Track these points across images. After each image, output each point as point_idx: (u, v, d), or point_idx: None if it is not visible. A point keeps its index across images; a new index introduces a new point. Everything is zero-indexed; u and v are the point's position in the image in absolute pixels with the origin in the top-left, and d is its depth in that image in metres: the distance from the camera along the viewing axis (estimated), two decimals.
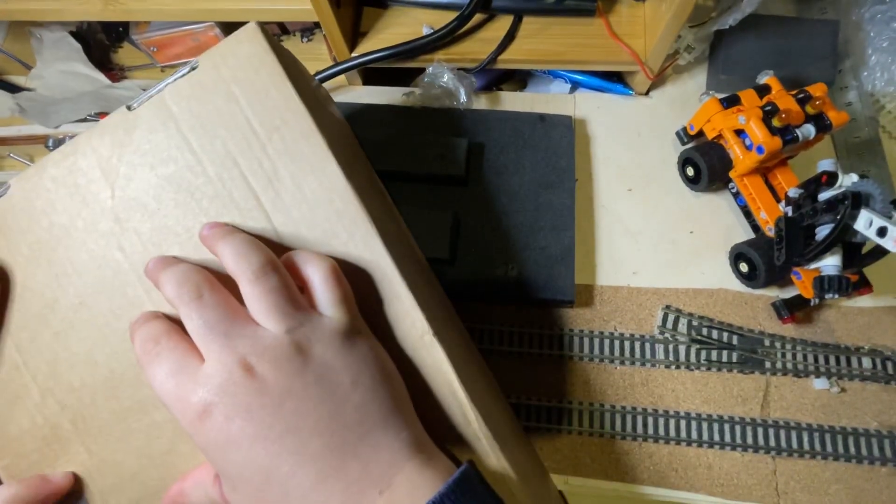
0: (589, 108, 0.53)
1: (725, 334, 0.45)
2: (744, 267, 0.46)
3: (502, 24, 0.51)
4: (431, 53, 0.51)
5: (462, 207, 0.46)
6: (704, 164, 0.46)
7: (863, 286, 0.42)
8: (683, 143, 0.50)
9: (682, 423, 0.43)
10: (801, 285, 0.44)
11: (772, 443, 0.42)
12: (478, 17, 0.51)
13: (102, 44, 0.59)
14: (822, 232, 0.40)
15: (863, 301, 0.46)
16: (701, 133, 0.48)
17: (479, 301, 0.46)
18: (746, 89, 0.46)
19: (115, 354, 0.28)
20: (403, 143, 0.46)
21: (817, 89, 0.44)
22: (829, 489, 0.41)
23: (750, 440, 0.42)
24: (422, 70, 0.50)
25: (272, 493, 0.23)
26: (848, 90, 0.53)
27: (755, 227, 0.47)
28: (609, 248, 0.48)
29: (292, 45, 0.59)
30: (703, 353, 0.44)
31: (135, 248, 0.28)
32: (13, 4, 0.49)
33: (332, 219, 0.28)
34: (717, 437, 0.42)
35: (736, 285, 0.47)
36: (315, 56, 0.57)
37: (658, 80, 0.53)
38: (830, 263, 0.39)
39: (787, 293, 0.46)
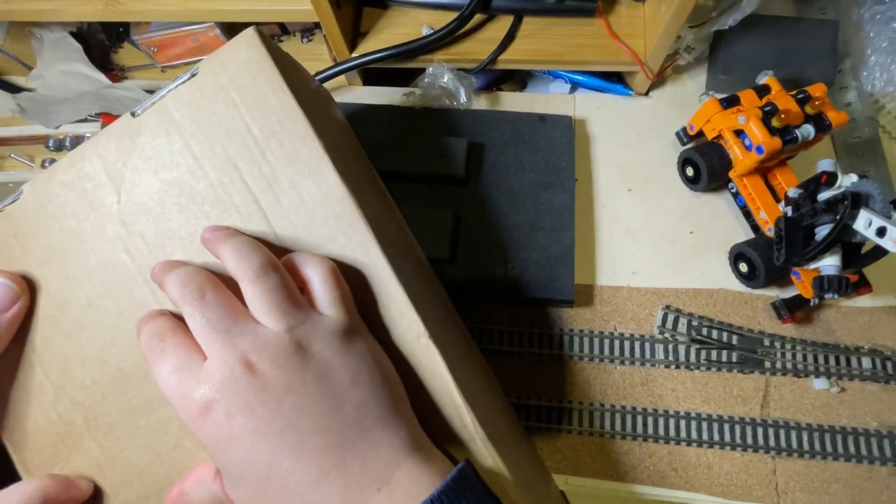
0: (589, 109, 0.53)
1: (725, 334, 0.45)
2: (743, 267, 0.46)
3: (502, 24, 0.51)
4: (431, 54, 0.51)
5: (462, 207, 0.46)
6: (704, 165, 0.46)
7: (862, 286, 0.42)
8: (683, 144, 0.50)
9: (682, 422, 0.43)
10: (800, 285, 0.44)
11: (771, 443, 0.42)
12: (478, 18, 0.51)
13: (103, 44, 0.59)
14: (822, 232, 0.40)
15: (862, 301, 0.46)
16: (701, 133, 0.48)
17: (479, 301, 0.46)
18: (746, 89, 0.46)
19: (123, 354, 0.29)
20: (403, 143, 0.46)
21: (817, 89, 0.44)
22: (829, 489, 0.41)
23: (750, 440, 0.42)
24: (422, 70, 0.50)
25: (273, 488, 0.24)
26: (847, 90, 0.53)
27: (755, 228, 0.47)
28: (609, 248, 0.48)
29: (292, 45, 0.59)
30: (703, 353, 0.44)
31: (140, 251, 0.29)
32: (13, 4, 0.49)
33: (330, 222, 0.28)
34: (716, 437, 0.42)
35: (736, 285, 0.47)
36: (315, 56, 0.57)
37: (658, 81, 0.54)
38: (830, 263, 0.39)
39: (787, 293, 0.46)
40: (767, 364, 0.44)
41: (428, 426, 0.28)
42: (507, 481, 0.28)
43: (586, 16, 0.51)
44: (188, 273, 0.26)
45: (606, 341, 0.45)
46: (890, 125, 0.52)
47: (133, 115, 0.30)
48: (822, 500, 0.40)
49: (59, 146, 0.52)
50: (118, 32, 0.59)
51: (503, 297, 0.44)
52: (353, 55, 0.50)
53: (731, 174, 0.46)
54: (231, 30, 0.55)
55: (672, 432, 0.42)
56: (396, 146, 0.46)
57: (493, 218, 0.46)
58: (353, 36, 0.51)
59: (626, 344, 0.45)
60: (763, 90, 0.46)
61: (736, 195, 0.48)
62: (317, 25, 0.56)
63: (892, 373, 0.43)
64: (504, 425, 0.36)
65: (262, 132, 0.28)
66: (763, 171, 0.46)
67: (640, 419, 0.43)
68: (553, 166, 0.48)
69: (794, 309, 0.44)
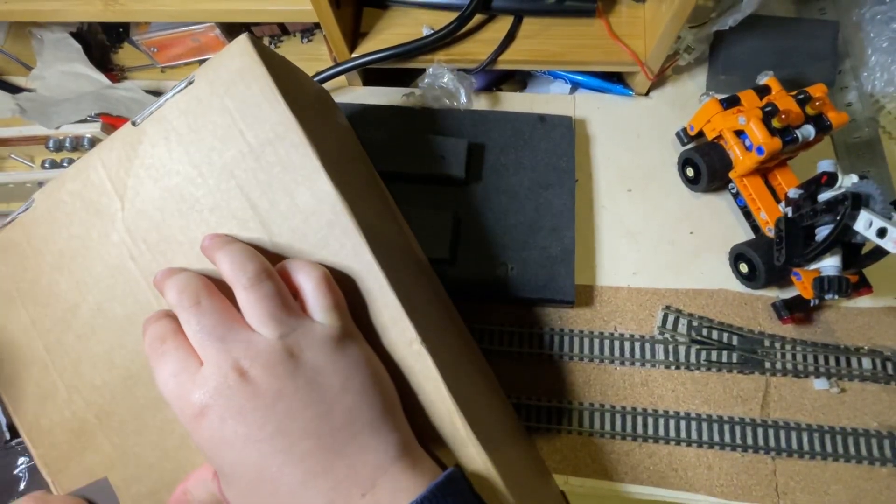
0: (589, 109, 0.53)
1: (725, 335, 0.45)
2: (744, 267, 0.46)
3: (502, 24, 0.51)
4: (431, 54, 0.51)
5: (462, 207, 0.46)
6: (704, 165, 0.46)
7: (862, 287, 0.42)
8: (683, 144, 0.50)
9: (682, 423, 0.43)
10: (800, 286, 0.44)
11: (772, 443, 0.42)
12: (478, 18, 0.51)
13: (103, 44, 0.59)
14: (822, 233, 0.40)
15: (863, 301, 0.46)
16: (701, 134, 0.48)
17: (479, 301, 0.46)
18: (746, 90, 0.46)
19: (131, 356, 0.30)
20: (403, 144, 0.46)
21: (817, 90, 0.44)
22: (828, 489, 0.41)
23: (750, 440, 0.42)
24: (422, 71, 0.50)
25: (262, 490, 0.24)
26: (848, 91, 0.53)
27: (755, 228, 0.47)
28: (609, 248, 0.48)
29: (292, 45, 0.59)
30: (703, 354, 0.44)
31: (144, 258, 0.30)
32: (13, 5, 0.49)
33: (324, 229, 0.29)
34: (716, 438, 0.42)
35: (736, 286, 0.47)
36: (315, 56, 0.57)
37: (658, 81, 0.53)
38: (830, 264, 0.39)
39: (787, 294, 0.46)
40: (767, 364, 0.44)
41: (421, 431, 0.28)
42: (500, 485, 0.28)
43: (586, 16, 0.51)
44: (185, 280, 0.27)
45: (606, 342, 0.45)
46: (890, 125, 0.52)
47: (133, 123, 0.31)
48: (823, 501, 0.40)
49: (59, 147, 0.52)
50: (118, 33, 0.59)
51: (503, 297, 0.44)
52: (353, 55, 0.50)
53: (732, 174, 0.46)
54: (231, 30, 0.55)
55: (672, 433, 0.42)
56: (396, 147, 0.46)
57: (493, 218, 0.46)
58: (353, 36, 0.51)
59: (626, 344, 0.45)
60: (763, 90, 0.46)
61: (736, 196, 0.48)
62: (317, 25, 0.56)
63: (892, 373, 0.43)
64: (501, 427, 0.36)
65: (257, 140, 0.29)
66: (763, 171, 0.46)
67: (640, 420, 0.43)
68: (553, 166, 0.48)
69: (794, 309, 0.44)
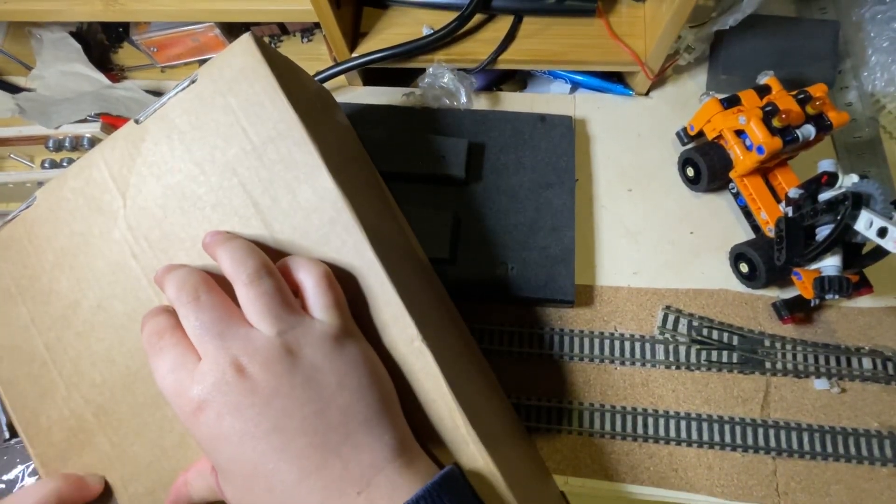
0: (589, 109, 0.53)
1: (726, 335, 0.45)
2: (744, 267, 0.46)
3: (502, 24, 0.51)
4: (431, 54, 0.51)
5: (462, 207, 0.46)
6: (704, 165, 0.46)
7: (863, 287, 0.42)
8: (683, 144, 0.50)
9: (683, 423, 0.43)
10: (801, 286, 0.44)
11: (772, 443, 0.42)
12: (478, 18, 0.51)
13: (102, 44, 0.59)
14: (823, 232, 0.39)
15: (863, 301, 0.46)
16: (701, 133, 0.48)
17: (479, 301, 0.46)
18: (746, 89, 0.46)
19: (131, 353, 0.30)
20: (404, 144, 0.46)
21: (817, 90, 0.44)
22: (829, 489, 0.41)
23: (750, 441, 0.42)
24: (422, 70, 0.50)
25: (258, 486, 0.24)
26: (848, 90, 0.53)
27: (755, 228, 0.47)
28: (609, 248, 0.48)
29: (292, 45, 0.59)
30: (704, 354, 0.44)
31: (146, 255, 0.30)
32: (13, 4, 0.49)
33: (326, 226, 0.29)
34: (717, 438, 0.42)
35: (736, 286, 0.47)
36: (315, 56, 0.57)
37: (658, 81, 0.53)
38: (831, 264, 0.39)
39: (788, 293, 0.46)
40: (768, 365, 0.44)
41: (421, 429, 0.28)
42: (500, 484, 0.28)
43: (586, 16, 0.51)
44: (184, 275, 0.27)
45: (606, 342, 0.45)
46: (891, 125, 0.52)
47: (136, 121, 0.31)
48: (823, 501, 0.40)
49: (59, 146, 0.52)
50: (118, 32, 0.59)
51: (503, 297, 0.44)
52: (353, 55, 0.50)
53: (732, 174, 0.46)
54: (231, 30, 0.55)
55: (672, 433, 0.42)
56: (396, 146, 0.46)
57: (493, 218, 0.46)
58: (353, 36, 0.51)
59: (627, 344, 0.45)
60: (764, 90, 0.46)
61: (736, 195, 0.48)
62: (317, 25, 0.56)
63: (892, 373, 0.43)
64: (501, 427, 0.36)
65: (260, 137, 0.29)
66: (764, 171, 0.46)
67: (640, 420, 0.43)
68: (553, 166, 0.48)
69: (794, 309, 0.44)
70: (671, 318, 0.45)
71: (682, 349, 0.44)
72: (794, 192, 0.41)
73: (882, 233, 0.35)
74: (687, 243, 0.48)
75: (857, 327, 0.45)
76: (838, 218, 0.37)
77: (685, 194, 0.50)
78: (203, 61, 0.57)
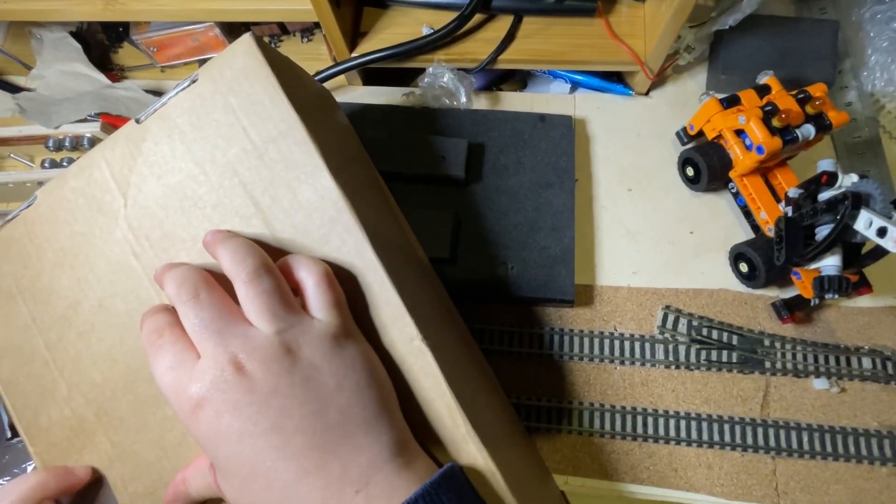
0: (589, 108, 0.53)
1: (725, 334, 0.45)
2: (744, 267, 0.46)
3: (502, 24, 0.51)
4: (431, 53, 0.51)
5: (462, 207, 0.46)
6: (704, 165, 0.46)
7: (863, 286, 0.42)
8: (683, 144, 0.50)
9: (682, 423, 0.43)
10: (800, 285, 0.44)
11: (772, 443, 0.42)
12: (478, 18, 0.51)
13: (102, 44, 0.59)
14: (822, 232, 0.40)
15: (863, 301, 0.46)
16: (701, 133, 0.48)
17: (479, 301, 0.46)
18: (746, 89, 0.46)
19: (132, 353, 0.30)
20: (403, 144, 0.46)
21: (817, 89, 0.44)
22: (829, 489, 0.41)
23: (750, 440, 0.42)
24: (422, 70, 0.50)
25: (256, 485, 0.24)
26: (848, 90, 0.53)
27: (755, 227, 0.47)
28: (609, 248, 0.48)
29: (292, 45, 0.59)
30: (703, 354, 0.44)
31: (147, 254, 0.30)
32: (13, 4, 0.49)
33: (326, 226, 0.29)
34: (717, 438, 0.42)
35: (736, 285, 0.47)
36: (315, 56, 0.57)
37: (658, 81, 0.53)
38: (830, 264, 0.39)
39: (787, 293, 0.46)
40: (767, 364, 0.44)
41: (421, 429, 0.28)
42: (500, 484, 0.28)
43: (586, 16, 0.51)
44: (184, 273, 0.27)
45: (606, 341, 0.45)
46: (890, 125, 0.52)
47: (137, 121, 0.31)
48: (823, 501, 0.40)
49: (59, 146, 0.52)
50: (118, 32, 0.59)
51: (503, 297, 0.44)
52: (353, 55, 0.50)
53: (732, 174, 0.46)
54: (231, 29, 0.55)
55: (672, 432, 0.42)
56: (396, 146, 0.46)
57: (493, 218, 0.46)
58: (353, 36, 0.51)
59: (626, 344, 0.45)
60: (763, 90, 0.46)
61: (736, 195, 0.48)
62: (317, 25, 0.56)
63: (892, 373, 0.43)
64: (501, 426, 0.36)
65: (260, 137, 0.29)
66: (763, 170, 0.46)
67: (640, 419, 0.43)
68: (553, 166, 0.48)
69: (794, 309, 0.44)
70: (671, 317, 0.45)
71: (682, 349, 0.45)
72: (793, 192, 0.41)
73: (881, 232, 0.35)
74: (687, 243, 0.48)
75: (857, 327, 0.45)
76: (838, 218, 0.37)
77: (685, 194, 0.50)
78: (203, 61, 0.57)
